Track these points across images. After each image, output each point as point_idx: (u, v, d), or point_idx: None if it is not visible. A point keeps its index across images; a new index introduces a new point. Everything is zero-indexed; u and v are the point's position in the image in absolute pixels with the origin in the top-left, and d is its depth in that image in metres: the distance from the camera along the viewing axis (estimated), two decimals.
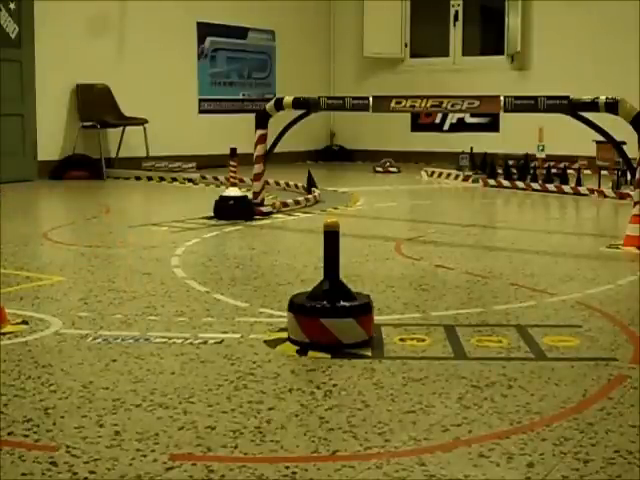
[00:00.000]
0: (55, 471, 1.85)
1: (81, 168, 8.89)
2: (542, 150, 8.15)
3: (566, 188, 7.70)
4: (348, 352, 2.71)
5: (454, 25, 11.44)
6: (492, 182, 8.36)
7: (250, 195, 6.17)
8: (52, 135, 8.86)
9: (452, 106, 5.59)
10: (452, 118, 11.19)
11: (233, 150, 6.14)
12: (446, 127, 11.33)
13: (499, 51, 11.05)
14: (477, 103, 5.48)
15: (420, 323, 3.14)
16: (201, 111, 10.55)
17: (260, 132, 6.27)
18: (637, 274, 4.06)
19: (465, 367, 2.60)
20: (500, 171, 8.48)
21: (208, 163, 9.46)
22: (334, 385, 2.43)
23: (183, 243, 4.89)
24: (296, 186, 7.76)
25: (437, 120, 11.33)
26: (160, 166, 9.09)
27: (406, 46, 11.68)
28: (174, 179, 8.83)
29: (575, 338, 2.91)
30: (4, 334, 2.91)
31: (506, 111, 5.30)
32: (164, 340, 2.88)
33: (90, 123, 8.93)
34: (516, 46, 10.68)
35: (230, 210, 5.82)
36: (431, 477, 1.83)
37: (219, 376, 2.51)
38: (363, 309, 2.82)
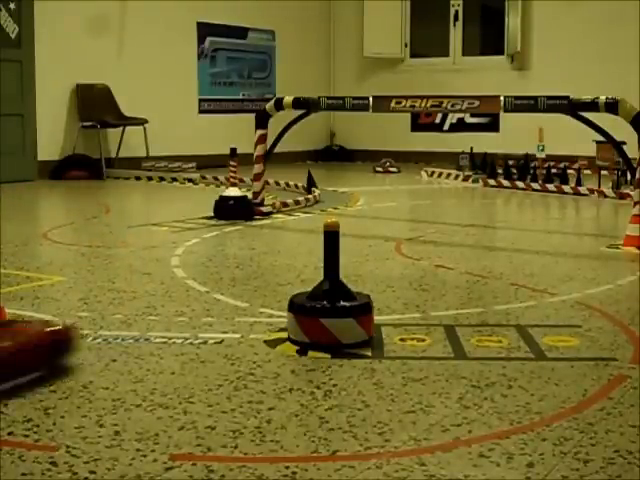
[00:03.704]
0: (55, 471, 1.85)
1: (81, 168, 8.89)
2: (542, 150, 8.14)
3: (566, 188, 7.70)
4: (348, 352, 2.71)
5: (454, 25, 11.43)
6: (492, 182, 8.36)
7: (250, 195, 6.17)
8: (52, 135, 8.86)
9: (452, 106, 5.59)
10: (452, 118, 11.18)
11: (233, 150, 6.14)
12: (446, 127, 11.32)
13: (499, 51, 11.05)
14: (477, 103, 5.48)
15: (420, 323, 3.14)
16: (201, 111, 10.55)
17: (260, 132, 6.26)
18: (637, 274, 4.06)
19: (465, 367, 2.60)
20: (500, 171, 8.48)
21: (208, 163, 9.46)
22: (334, 385, 2.43)
23: (183, 243, 4.89)
24: (296, 186, 7.76)
25: (437, 120, 11.32)
26: (160, 166, 9.09)
27: (406, 46, 11.68)
28: (174, 179, 8.83)
29: (575, 338, 2.91)
30: None
31: (506, 111, 5.30)
32: (164, 340, 2.88)
33: (90, 123, 8.93)
34: (516, 46, 10.69)
35: (230, 210, 5.82)
36: (431, 477, 1.83)
37: (219, 376, 2.51)
38: (363, 309, 2.82)
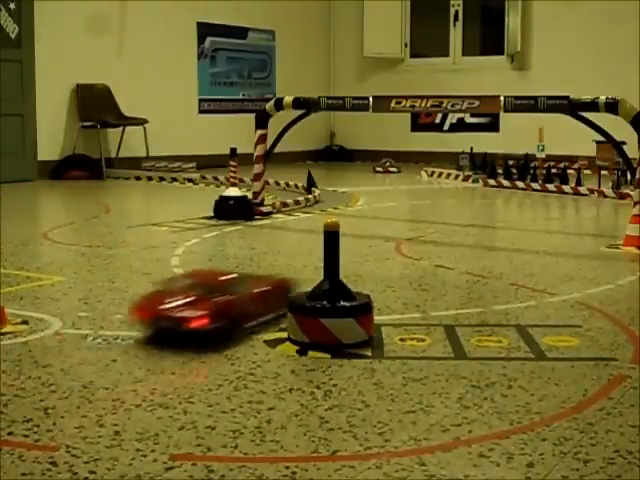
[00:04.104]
0: (55, 471, 1.85)
1: (81, 168, 8.89)
2: (542, 150, 8.15)
3: (566, 188, 7.70)
4: (348, 352, 2.71)
5: (454, 25, 11.44)
6: (492, 182, 8.36)
7: (250, 195, 6.18)
8: (52, 135, 8.86)
9: (452, 106, 5.59)
10: (452, 118, 11.19)
11: (233, 150, 6.14)
12: (446, 127, 11.33)
13: (499, 51, 11.06)
14: (477, 103, 5.48)
15: (420, 323, 3.14)
16: (201, 111, 10.55)
17: (260, 132, 6.27)
18: (637, 274, 4.06)
19: (465, 367, 2.60)
20: (500, 171, 8.48)
21: (208, 163, 9.46)
22: (334, 385, 2.43)
23: (183, 243, 4.89)
24: (296, 186, 7.76)
25: (437, 120, 11.32)
26: (160, 166, 9.09)
27: (406, 46, 11.68)
28: (174, 179, 8.83)
29: (575, 338, 2.91)
30: (4, 334, 2.91)
31: (506, 111, 5.30)
32: None
33: (90, 123, 8.93)
34: (516, 46, 10.69)
35: (230, 210, 5.82)
36: (431, 477, 1.83)
37: (219, 376, 2.51)
38: (363, 309, 2.82)
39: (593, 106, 4.84)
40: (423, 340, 2.89)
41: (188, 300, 2.84)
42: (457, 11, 11.40)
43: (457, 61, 11.43)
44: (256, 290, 3.05)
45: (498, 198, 7.78)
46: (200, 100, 10.52)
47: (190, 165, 9.12)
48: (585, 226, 6.37)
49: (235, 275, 3.14)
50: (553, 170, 8.13)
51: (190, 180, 8.70)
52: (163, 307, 2.83)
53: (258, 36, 11.16)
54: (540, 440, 2.02)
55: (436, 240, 5.16)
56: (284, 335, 2.88)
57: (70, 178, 8.72)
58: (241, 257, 4.52)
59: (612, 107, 4.75)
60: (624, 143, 5.20)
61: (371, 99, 5.77)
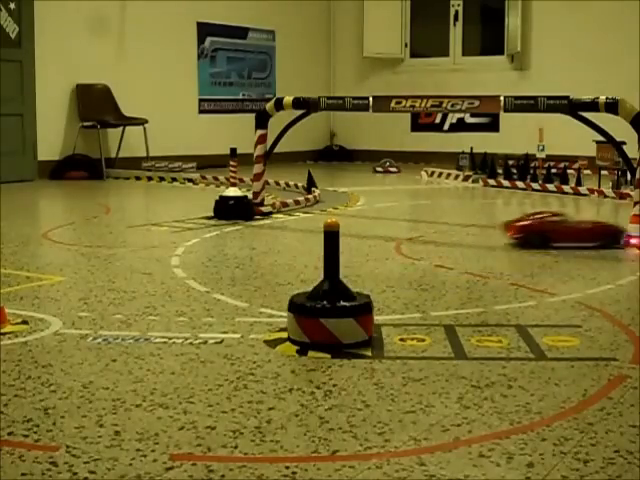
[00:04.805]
0: (55, 471, 1.85)
1: (81, 168, 8.89)
2: (542, 150, 8.15)
3: (566, 188, 7.70)
4: (348, 352, 2.71)
5: (454, 25, 11.44)
6: (492, 182, 8.36)
7: (250, 195, 6.18)
8: (52, 135, 8.86)
9: (452, 106, 5.59)
10: (452, 118, 11.19)
11: (233, 150, 6.14)
12: (446, 127, 11.33)
13: (499, 51, 11.06)
14: (477, 103, 5.48)
15: (420, 323, 3.14)
16: (201, 111, 10.55)
17: (260, 132, 6.27)
18: (637, 274, 4.06)
19: (465, 367, 2.60)
20: (500, 171, 8.48)
21: (208, 163, 9.46)
22: (334, 385, 2.43)
23: (183, 243, 4.89)
24: (296, 186, 7.77)
25: (437, 120, 11.33)
26: (160, 166, 9.09)
27: (406, 46, 11.68)
28: (174, 179, 8.83)
29: (575, 338, 2.91)
30: (4, 334, 2.91)
31: (506, 111, 5.30)
32: (164, 340, 2.88)
33: (90, 123, 8.94)
34: (516, 46, 10.69)
35: (230, 210, 5.82)
36: (431, 477, 1.83)
37: (219, 376, 2.51)
38: (363, 309, 2.82)
39: (593, 106, 4.84)
40: (423, 340, 2.89)
41: (524, 222, 4.83)
42: (457, 11, 11.40)
43: (457, 61, 11.43)
44: (573, 225, 4.82)
45: (498, 198, 7.78)
46: (200, 100, 10.52)
47: (190, 165, 9.12)
48: None
49: (562, 215, 4.98)
50: (553, 170, 8.13)
51: (190, 180, 8.70)
52: (512, 224, 4.88)
53: (258, 36, 11.16)
54: (540, 440, 2.02)
55: (436, 240, 5.16)
56: (284, 335, 2.88)
57: (70, 178, 8.72)
58: (241, 257, 4.52)
59: (612, 107, 4.76)
60: (624, 143, 5.20)
61: (371, 99, 5.77)
